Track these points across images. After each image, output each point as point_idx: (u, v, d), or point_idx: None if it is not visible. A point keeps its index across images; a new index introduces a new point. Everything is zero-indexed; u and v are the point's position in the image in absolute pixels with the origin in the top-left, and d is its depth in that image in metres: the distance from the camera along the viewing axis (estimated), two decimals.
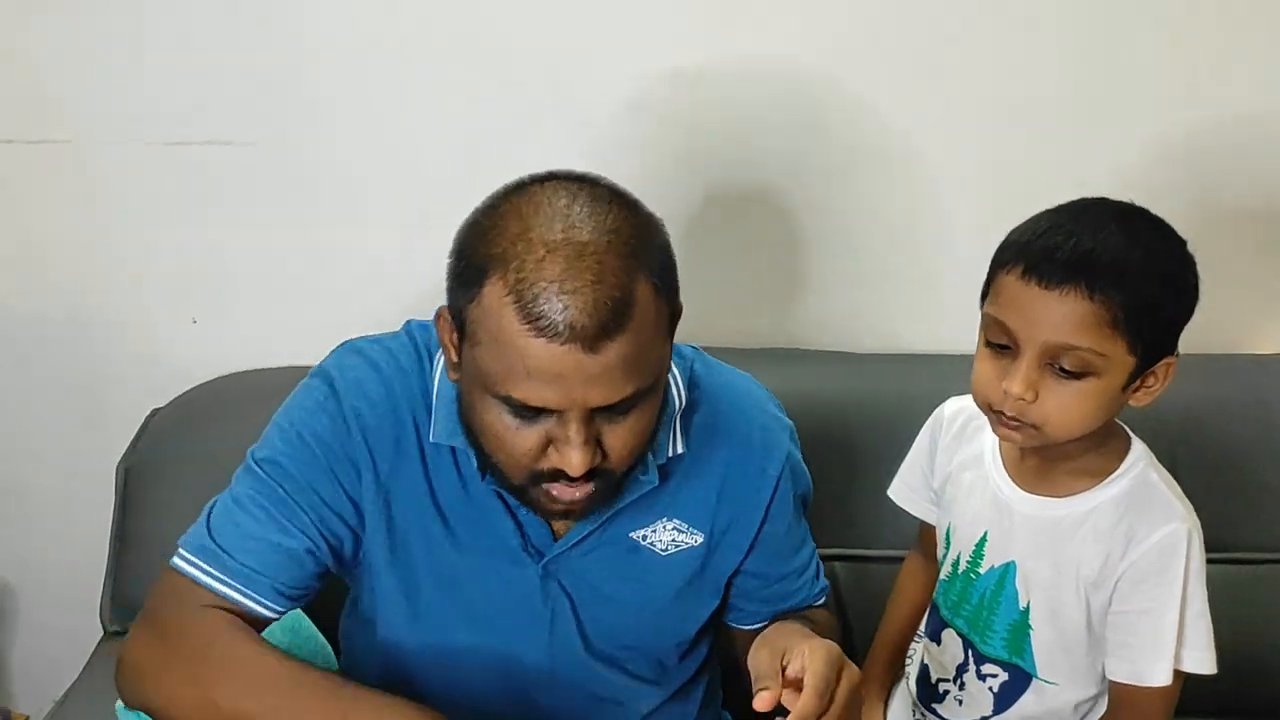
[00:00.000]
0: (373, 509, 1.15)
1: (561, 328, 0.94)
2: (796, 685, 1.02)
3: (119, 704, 1.26)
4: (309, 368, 1.21)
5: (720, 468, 1.20)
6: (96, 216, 1.75)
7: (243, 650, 1.05)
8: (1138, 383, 1.15)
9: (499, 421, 1.02)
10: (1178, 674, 1.19)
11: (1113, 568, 1.19)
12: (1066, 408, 1.12)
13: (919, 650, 1.40)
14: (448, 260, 1.04)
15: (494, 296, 0.97)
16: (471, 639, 1.20)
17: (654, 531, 1.20)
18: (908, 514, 1.49)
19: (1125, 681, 1.21)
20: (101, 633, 1.61)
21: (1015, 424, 1.15)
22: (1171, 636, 1.17)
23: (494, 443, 1.04)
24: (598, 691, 1.25)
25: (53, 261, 1.78)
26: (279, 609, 1.13)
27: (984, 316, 1.17)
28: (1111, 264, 1.09)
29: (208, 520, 1.15)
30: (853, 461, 1.65)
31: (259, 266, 1.76)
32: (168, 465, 1.61)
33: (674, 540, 1.21)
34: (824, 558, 1.63)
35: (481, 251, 0.99)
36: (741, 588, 1.29)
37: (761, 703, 1.02)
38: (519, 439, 1.02)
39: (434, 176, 1.69)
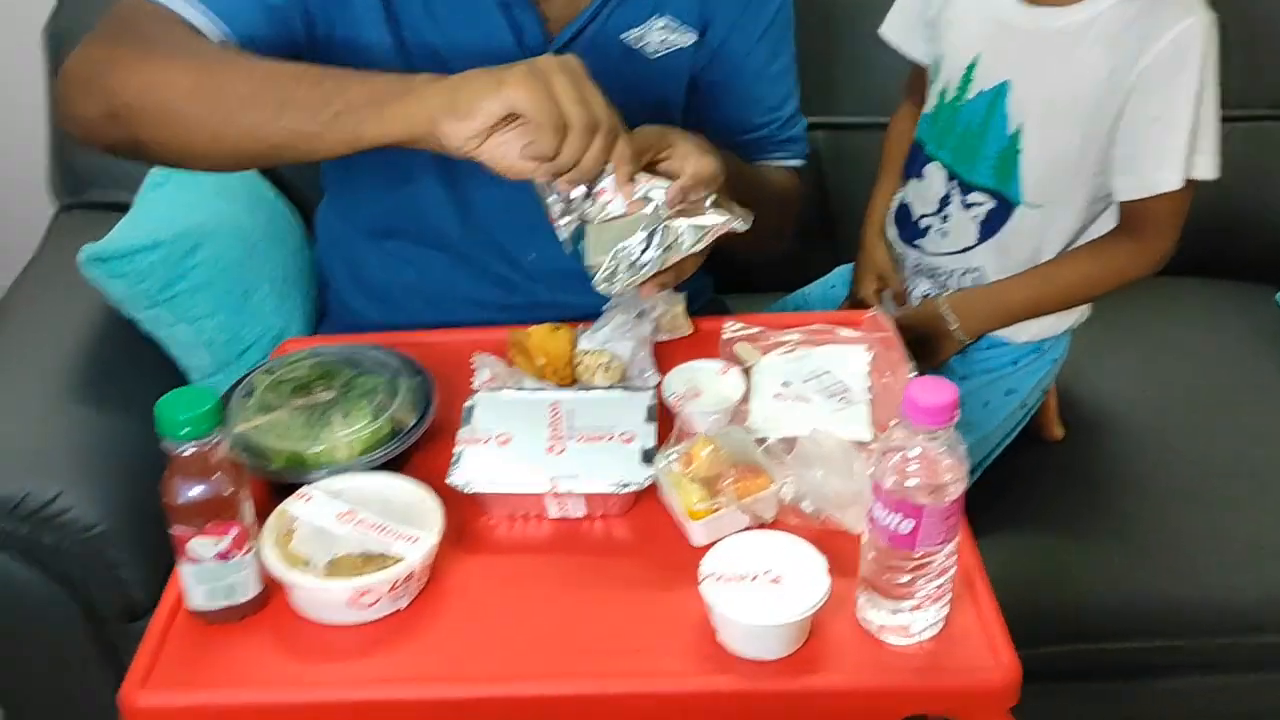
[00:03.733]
0: None
1: None
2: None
3: (81, 255, 1.23)
4: None
5: None
6: None
7: (226, 51, 1.00)
8: None
9: None
10: (1187, 182, 1.16)
11: (1123, 75, 1.15)
12: None
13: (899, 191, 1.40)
14: None
15: None
16: (473, 166, 1.15)
17: (646, 31, 1.14)
18: (888, 79, 1.44)
19: (1134, 197, 1.20)
20: (54, 208, 1.56)
21: None
22: (1184, 141, 1.15)
23: None
24: None
25: None
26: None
27: None
28: None
29: None
30: (827, 26, 1.58)
31: None
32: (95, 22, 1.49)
33: (664, 40, 1.16)
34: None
35: None
36: (710, 98, 1.22)
37: None
38: None
39: None
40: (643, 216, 0.94)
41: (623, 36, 1.15)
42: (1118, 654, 1.33)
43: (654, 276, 0.95)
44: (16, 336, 1.32)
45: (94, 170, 1.53)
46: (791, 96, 1.28)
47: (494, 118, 0.89)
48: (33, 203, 1.63)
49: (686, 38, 1.16)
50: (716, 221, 0.95)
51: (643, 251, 0.94)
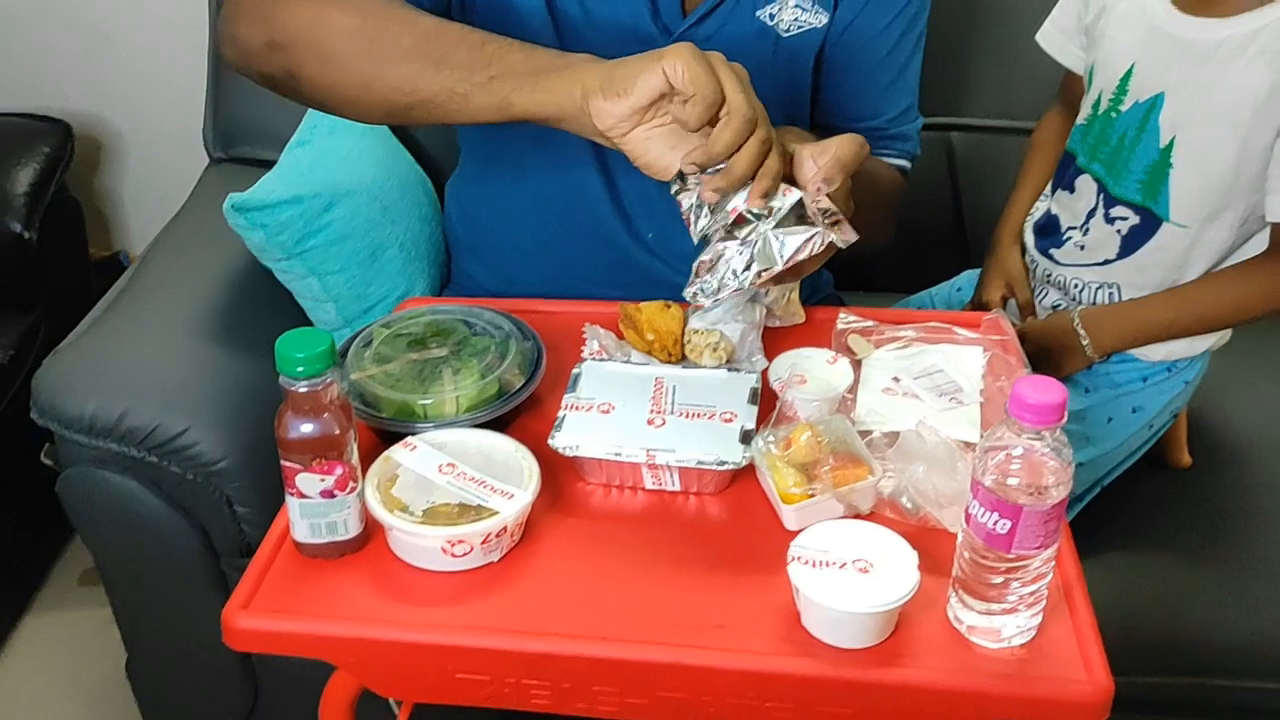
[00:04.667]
0: None
1: None
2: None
3: (226, 204, 1.29)
4: None
5: None
6: None
7: (395, 1, 1.00)
8: None
9: None
10: None
11: None
12: None
13: (1044, 201, 1.36)
14: None
15: None
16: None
17: (780, 9, 1.14)
18: (1028, 81, 1.39)
19: None
20: (207, 162, 1.63)
21: None
22: None
23: None
24: None
25: None
26: None
27: None
28: None
29: None
30: (971, 25, 1.54)
31: None
32: None
33: (796, 19, 1.15)
34: (939, 127, 1.58)
35: None
36: (828, 79, 1.21)
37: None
38: None
39: None
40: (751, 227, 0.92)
41: (758, 13, 1.15)
42: (1227, 691, 1.26)
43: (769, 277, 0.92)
44: (162, 277, 1.40)
45: (245, 127, 1.60)
46: (909, 92, 1.25)
47: (651, 93, 0.88)
48: (189, 156, 1.71)
49: (819, 18, 1.16)
50: (811, 235, 0.91)
51: (745, 266, 0.91)
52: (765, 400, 0.98)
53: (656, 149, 0.92)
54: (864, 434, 0.94)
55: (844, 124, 1.22)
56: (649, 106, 0.90)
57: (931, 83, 1.29)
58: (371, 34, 0.97)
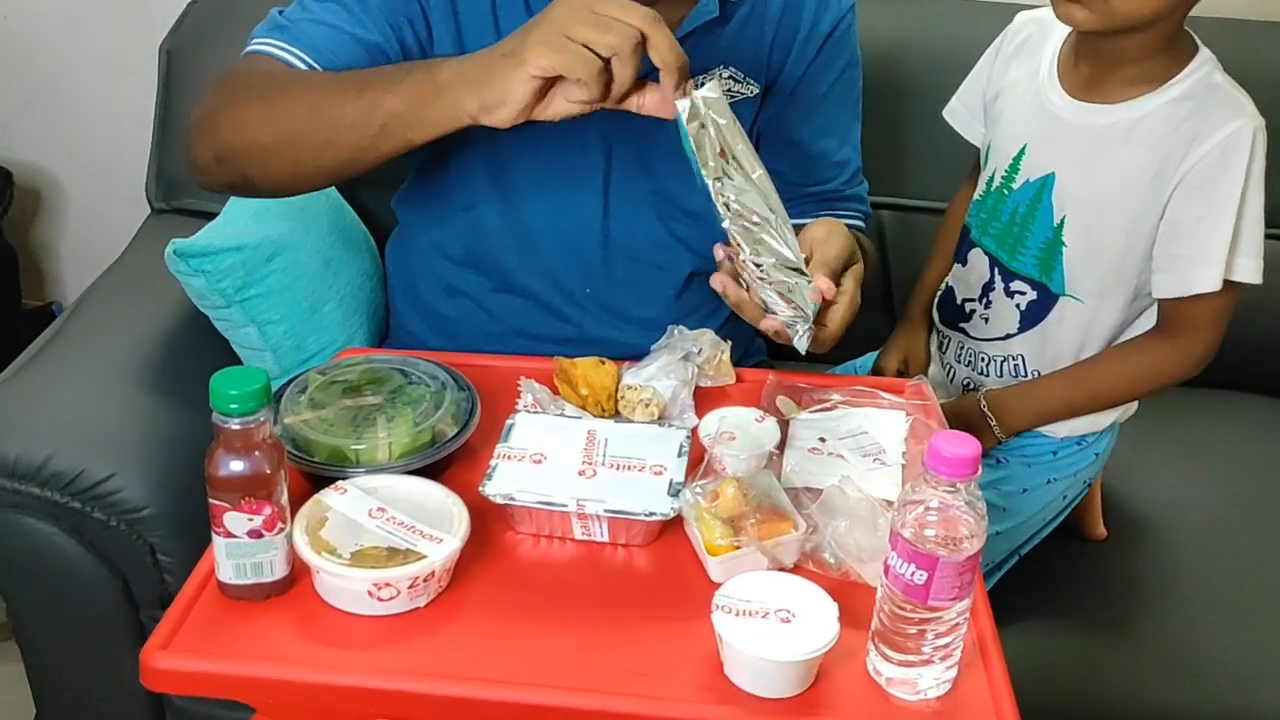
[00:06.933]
0: (441, 23, 1.13)
1: None
2: None
3: (168, 250, 1.29)
4: None
5: (777, 12, 1.19)
6: None
7: (291, 70, 1.07)
8: None
9: None
10: (1228, 285, 1.16)
11: (1169, 174, 1.15)
12: None
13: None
14: None
15: None
16: (533, 196, 1.21)
17: (711, 79, 1.17)
18: (957, 163, 1.45)
19: (1173, 295, 1.19)
20: (149, 211, 1.63)
21: None
22: (1224, 242, 1.14)
23: None
24: (643, 254, 1.25)
25: None
26: None
27: None
28: None
29: (280, 11, 1.14)
30: (904, 109, 1.61)
31: None
32: (210, 45, 1.59)
33: (729, 89, 1.19)
34: (872, 206, 1.63)
35: None
36: (785, 149, 1.25)
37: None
38: None
39: None
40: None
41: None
42: None
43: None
44: (95, 322, 1.39)
45: (190, 178, 1.59)
46: (855, 154, 1.30)
47: (528, 96, 0.92)
48: (129, 210, 1.71)
49: (750, 89, 1.20)
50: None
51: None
52: (695, 456, 1.00)
53: (562, 106, 0.94)
54: (790, 491, 0.96)
55: (801, 189, 1.27)
56: (538, 96, 0.93)
57: (864, 164, 1.34)
58: (277, 121, 1.03)
